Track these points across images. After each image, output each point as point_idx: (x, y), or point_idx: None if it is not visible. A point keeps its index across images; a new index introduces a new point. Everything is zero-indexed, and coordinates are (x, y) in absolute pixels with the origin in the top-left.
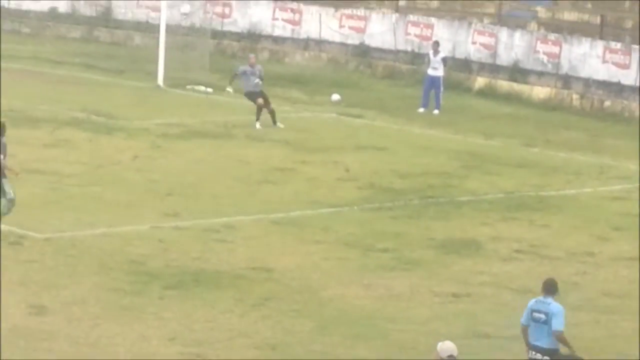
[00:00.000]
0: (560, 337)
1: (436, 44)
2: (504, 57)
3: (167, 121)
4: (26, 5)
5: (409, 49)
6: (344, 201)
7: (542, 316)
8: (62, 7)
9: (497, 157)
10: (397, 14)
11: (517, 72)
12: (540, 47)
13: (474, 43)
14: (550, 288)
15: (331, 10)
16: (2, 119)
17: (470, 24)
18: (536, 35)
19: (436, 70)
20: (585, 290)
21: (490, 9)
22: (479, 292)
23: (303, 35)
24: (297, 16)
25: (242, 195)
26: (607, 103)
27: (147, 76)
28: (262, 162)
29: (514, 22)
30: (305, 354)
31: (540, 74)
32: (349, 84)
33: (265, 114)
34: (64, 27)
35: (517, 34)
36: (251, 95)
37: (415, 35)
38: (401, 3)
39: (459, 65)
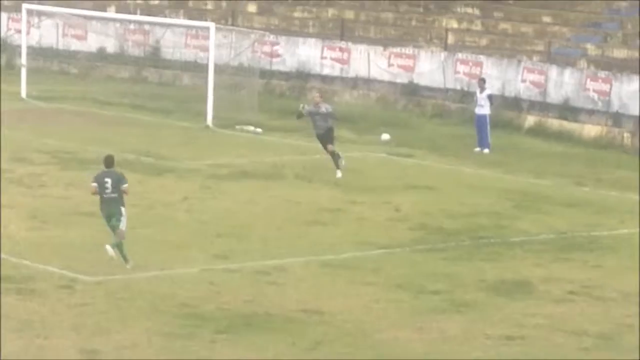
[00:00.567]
0: None
1: (482, 81)
2: (554, 95)
3: (216, 162)
4: (75, 46)
5: (458, 87)
6: (395, 242)
7: None
8: (111, 47)
9: (548, 197)
10: (445, 52)
11: (567, 110)
12: (590, 84)
13: (523, 81)
14: None
15: (380, 48)
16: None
17: (519, 61)
18: (586, 73)
19: (482, 107)
20: None
21: (540, 46)
22: (533, 335)
23: (352, 74)
24: (345, 55)
25: (292, 237)
26: None
27: (195, 116)
28: (311, 203)
29: (563, 60)
30: None
31: (591, 112)
32: (398, 123)
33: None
34: (112, 68)
35: (567, 72)
36: (319, 139)
37: (464, 74)
38: (450, 41)
39: (509, 104)
